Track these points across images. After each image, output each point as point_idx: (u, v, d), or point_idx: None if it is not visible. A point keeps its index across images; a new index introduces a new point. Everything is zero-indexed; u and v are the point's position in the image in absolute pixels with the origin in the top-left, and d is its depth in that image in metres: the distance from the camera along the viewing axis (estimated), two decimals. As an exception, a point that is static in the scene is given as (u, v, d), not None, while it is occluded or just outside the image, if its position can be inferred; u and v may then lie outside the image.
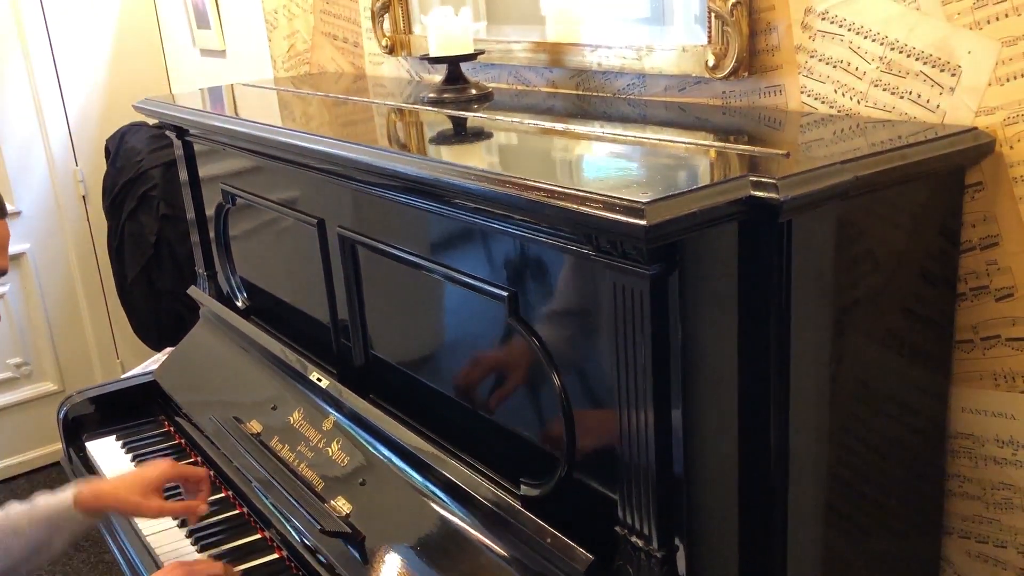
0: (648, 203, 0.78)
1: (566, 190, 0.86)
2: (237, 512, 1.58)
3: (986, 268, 1.03)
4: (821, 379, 1.01)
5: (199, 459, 1.76)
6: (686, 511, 0.94)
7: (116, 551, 1.56)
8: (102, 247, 3.04)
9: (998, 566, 1.11)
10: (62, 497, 1.40)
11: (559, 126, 1.25)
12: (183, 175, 1.93)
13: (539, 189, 0.89)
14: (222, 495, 1.64)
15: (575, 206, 0.84)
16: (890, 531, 1.18)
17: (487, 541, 1.13)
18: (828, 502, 1.07)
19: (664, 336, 0.89)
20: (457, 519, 1.19)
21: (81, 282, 3.17)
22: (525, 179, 0.91)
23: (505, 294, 1.08)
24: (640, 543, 0.95)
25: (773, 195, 0.83)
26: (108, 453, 1.82)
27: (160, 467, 1.46)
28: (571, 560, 0.98)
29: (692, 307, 0.89)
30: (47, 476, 3.16)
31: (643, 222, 0.77)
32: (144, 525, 1.55)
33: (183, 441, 1.84)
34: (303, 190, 1.52)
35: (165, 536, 1.52)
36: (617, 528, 0.98)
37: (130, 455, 1.79)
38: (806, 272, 0.93)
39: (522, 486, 1.14)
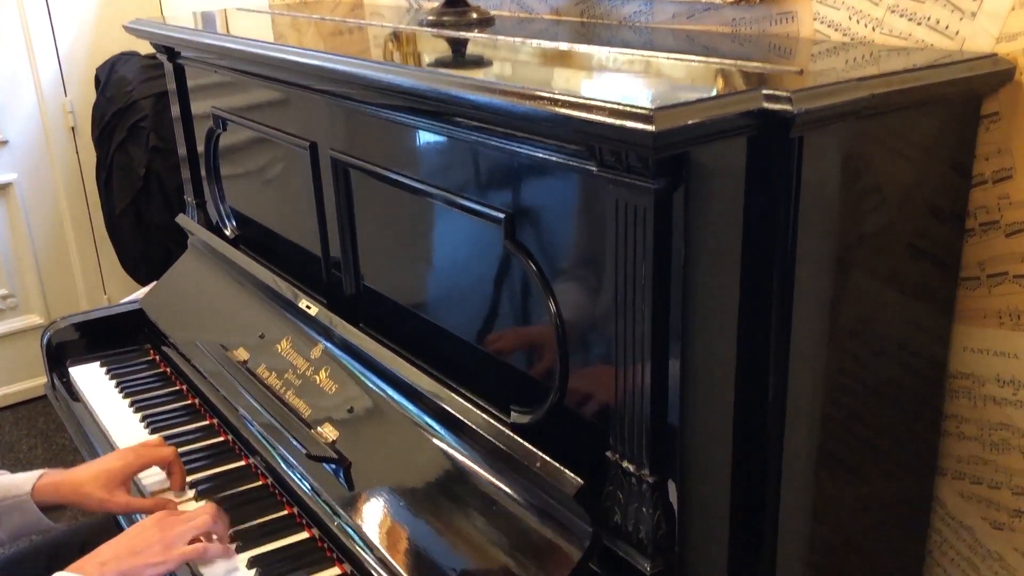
0: (657, 109, 0.75)
1: (571, 98, 0.82)
2: (222, 440, 1.56)
3: (997, 203, 1.00)
4: (821, 318, 0.99)
5: (184, 387, 1.74)
6: (680, 439, 0.92)
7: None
8: (91, 179, 3.00)
9: (991, 507, 1.10)
10: (20, 482, 1.31)
11: (563, 46, 1.21)
12: (174, 103, 1.89)
13: (542, 98, 0.85)
14: (207, 423, 1.62)
15: (580, 114, 0.80)
16: (883, 472, 1.16)
17: (475, 467, 1.11)
18: (821, 443, 1.05)
19: (666, 256, 0.86)
20: (445, 445, 1.17)
21: (69, 214, 3.12)
22: (528, 88, 0.87)
23: (502, 216, 1.05)
24: (631, 468, 0.93)
25: (786, 107, 0.79)
26: (92, 379, 1.79)
27: (126, 458, 1.37)
28: (560, 484, 0.96)
29: (696, 228, 0.86)
30: (32, 409, 3.15)
31: (651, 128, 0.74)
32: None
33: (168, 370, 1.81)
34: (296, 113, 1.48)
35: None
36: (608, 454, 0.96)
37: (114, 381, 1.77)
38: (813, 200, 0.90)
39: (512, 413, 1.12)
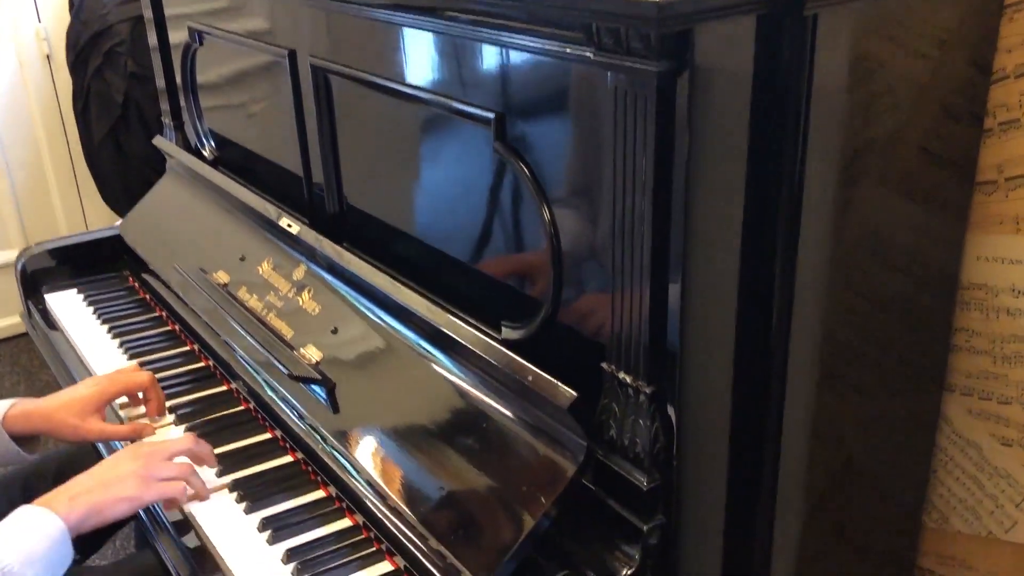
0: (660, -23, 0.68)
1: (565, -28, 0.75)
2: (203, 365, 1.51)
3: (1019, 99, 0.94)
4: (828, 228, 0.94)
5: (164, 313, 1.68)
6: (680, 348, 0.86)
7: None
8: (68, 109, 2.90)
9: (1000, 423, 1.06)
10: None
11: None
12: (150, 31, 1.80)
13: (534, -25, 0.78)
14: (187, 348, 1.57)
15: (576, -12, 0.73)
16: (888, 390, 1.12)
17: (465, 385, 1.07)
18: (824, 360, 1.00)
19: (668, 151, 0.80)
20: (434, 364, 1.12)
21: (47, 146, 3.03)
22: (519, -35, 0.80)
23: (491, 116, 0.99)
24: (628, 379, 0.88)
25: (801, -22, 0.73)
26: (69, 306, 1.74)
27: (99, 384, 1.30)
28: (553, 397, 0.91)
29: (700, 120, 0.80)
30: (15, 346, 3.10)
31: (654, -3, 0.67)
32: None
33: (148, 296, 1.75)
34: (274, 21, 1.40)
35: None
36: (604, 365, 0.91)
37: (92, 308, 1.71)
38: (825, 96, 0.84)
39: (503, 329, 1.07)
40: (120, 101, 2.64)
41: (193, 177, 1.76)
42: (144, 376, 1.34)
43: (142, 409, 1.37)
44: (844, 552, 1.15)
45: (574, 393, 0.90)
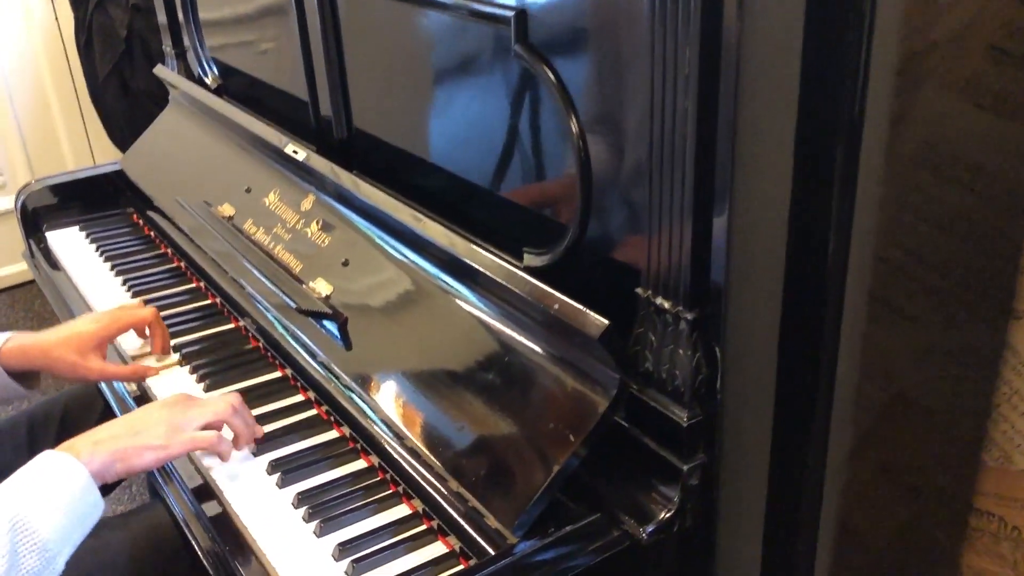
0: None
1: None
2: (209, 302, 1.44)
3: (1108, -14, 0.83)
4: (880, 142, 0.84)
5: (169, 250, 1.60)
6: (726, 271, 0.77)
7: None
8: (72, 44, 2.80)
9: (1073, 354, 0.97)
10: None
11: None
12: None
13: None
14: (193, 285, 1.50)
15: None
16: (945, 320, 1.03)
17: (486, 317, 0.98)
18: (875, 288, 0.91)
19: (715, 51, 0.71)
20: (452, 296, 1.03)
21: (52, 85, 2.93)
22: None
23: (511, 14, 0.89)
24: (666, 305, 0.80)
25: None
26: (71, 244, 1.66)
27: (100, 320, 1.22)
28: (582, 327, 0.83)
29: (750, 16, 0.70)
30: (27, 292, 3.05)
31: None
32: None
33: (153, 233, 1.68)
34: (274, -71, 1.30)
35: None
36: (639, 290, 0.83)
37: (94, 246, 1.64)
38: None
39: (525, 256, 0.98)
40: (123, 35, 2.54)
41: (196, 107, 1.67)
42: (147, 311, 1.27)
43: (147, 348, 1.30)
44: (895, 491, 1.07)
45: (605, 321, 0.81)
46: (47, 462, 0.91)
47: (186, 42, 1.74)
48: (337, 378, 1.13)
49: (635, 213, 0.84)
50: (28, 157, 2.94)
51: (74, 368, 1.18)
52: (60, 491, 0.89)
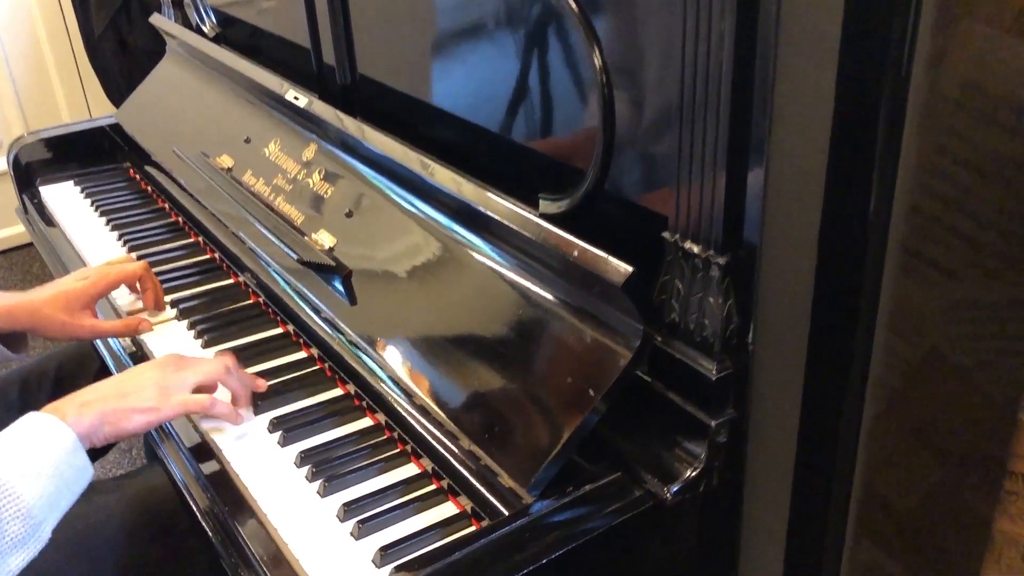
0: None
1: None
2: (208, 257, 1.39)
3: None
4: (918, 80, 0.78)
5: (167, 205, 1.55)
6: (762, 212, 0.72)
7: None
8: (69, 5, 2.72)
9: (1122, 307, 0.91)
10: None
11: None
12: None
13: None
14: (191, 240, 1.44)
15: None
16: (983, 273, 0.97)
17: (499, 267, 0.93)
18: (906, 242, 0.85)
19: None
20: (463, 245, 0.98)
21: (48, 42, 2.86)
22: None
23: (528, -61, 0.82)
24: (695, 249, 0.74)
25: None
26: (65, 198, 1.61)
27: (89, 277, 1.17)
28: (604, 274, 0.77)
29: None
30: (26, 254, 3.00)
31: None
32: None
33: (150, 188, 1.62)
34: None
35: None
36: (666, 234, 0.77)
37: (89, 200, 1.58)
38: None
39: (541, 203, 0.93)
40: (119, -12, 2.47)
41: (194, 57, 1.61)
42: (137, 265, 1.21)
43: (140, 304, 1.25)
44: (925, 454, 1.02)
45: (629, 267, 0.76)
46: (31, 424, 0.86)
47: (183, -10, 1.67)
48: (342, 334, 1.08)
49: (663, 155, 0.78)
50: (23, 113, 2.88)
51: (64, 327, 1.13)
52: (45, 455, 0.84)
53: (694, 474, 0.78)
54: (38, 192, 1.65)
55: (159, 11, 1.79)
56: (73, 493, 0.86)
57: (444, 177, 1.00)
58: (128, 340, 1.21)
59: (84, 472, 0.88)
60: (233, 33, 1.59)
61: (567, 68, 0.88)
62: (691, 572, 0.86)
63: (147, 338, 1.19)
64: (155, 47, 2.26)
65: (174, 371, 0.97)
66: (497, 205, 0.92)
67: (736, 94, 0.68)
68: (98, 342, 1.23)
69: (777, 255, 0.73)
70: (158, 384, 0.95)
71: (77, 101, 2.96)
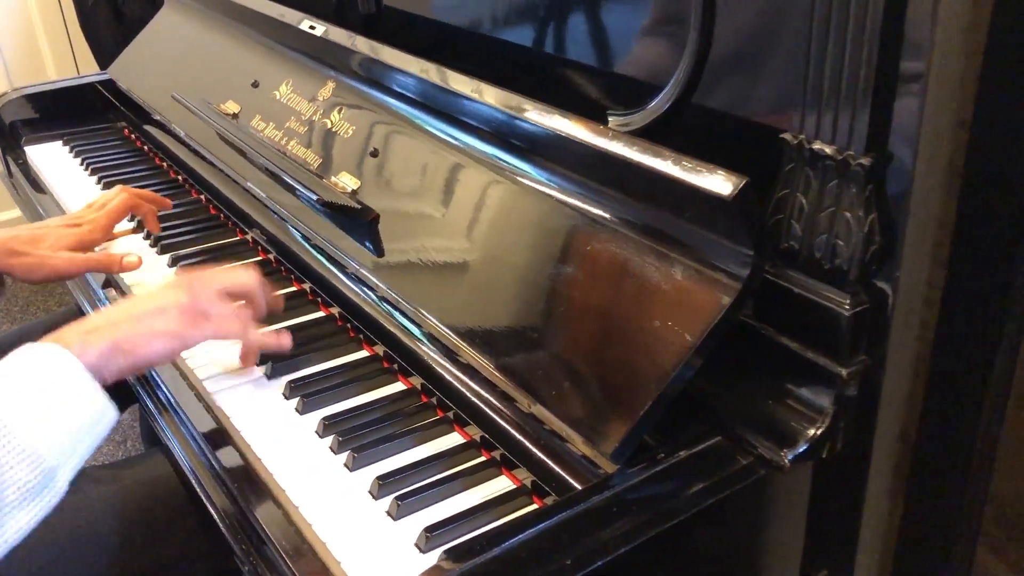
0: None
1: None
2: (212, 215, 1.24)
3: None
4: None
5: (166, 164, 1.40)
6: (922, 102, 0.57)
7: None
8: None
9: None
10: None
11: None
12: None
13: None
14: (193, 197, 1.29)
15: None
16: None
17: (563, 196, 0.78)
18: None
19: None
20: (518, 176, 0.83)
21: (39, 13, 2.71)
22: None
23: None
24: (829, 151, 0.59)
25: None
26: (53, 158, 1.46)
27: (81, 225, 1.04)
28: (706, 188, 0.62)
29: None
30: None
31: None
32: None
33: (147, 147, 1.47)
34: None
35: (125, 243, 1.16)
36: (787, 136, 0.62)
37: (80, 159, 1.43)
38: None
39: (612, 120, 0.78)
40: (114, -48, 2.32)
41: (196, 1, 1.46)
42: (122, 197, 1.09)
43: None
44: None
45: (741, 176, 0.61)
46: (27, 357, 0.69)
47: (183, -68, 1.53)
48: (369, 288, 0.93)
49: (779, 34, 0.64)
50: (8, 73, 2.72)
51: (42, 262, 0.99)
52: (48, 391, 0.68)
53: (818, 433, 0.63)
54: (23, 153, 1.50)
55: None
56: (94, 437, 0.70)
57: (495, 98, 0.85)
58: (113, 291, 1.06)
59: (104, 413, 0.71)
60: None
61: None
62: (799, 559, 0.71)
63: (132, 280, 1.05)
64: (150, 17, 2.12)
65: (195, 289, 0.81)
66: (563, 123, 0.77)
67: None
68: (82, 299, 1.08)
69: (932, 157, 0.58)
70: (178, 303, 0.78)
71: (66, 64, 2.80)
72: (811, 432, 0.63)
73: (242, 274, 0.85)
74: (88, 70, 2.79)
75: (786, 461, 0.63)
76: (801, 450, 0.63)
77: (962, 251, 0.64)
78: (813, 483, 0.67)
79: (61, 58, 2.80)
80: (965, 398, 0.71)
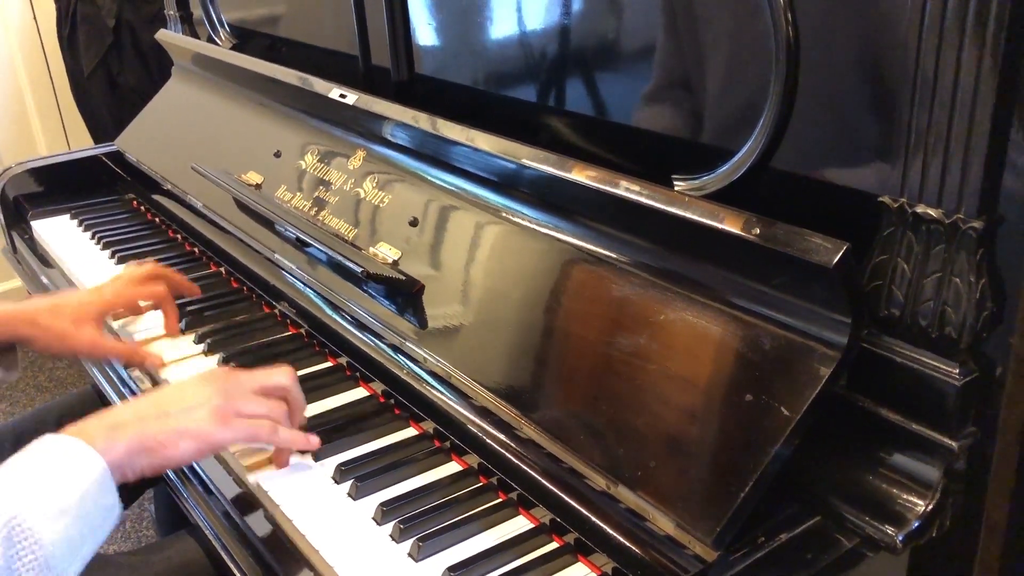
0: None
1: None
2: (234, 288, 1.19)
3: None
4: None
5: (180, 236, 1.36)
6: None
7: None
8: (50, 38, 2.56)
9: None
10: None
11: None
12: None
13: None
14: (212, 270, 1.25)
15: None
16: None
17: (630, 266, 0.75)
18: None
19: None
20: (580, 242, 0.80)
21: (28, 83, 2.68)
22: None
23: None
24: (935, 214, 0.57)
25: None
26: (61, 233, 1.41)
27: (101, 292, 1.02)
28: (806, 254, 0.59)
29: None
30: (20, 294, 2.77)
31: None
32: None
33: (158, 219, 1.43)
34: None
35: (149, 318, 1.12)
36: (886, 199, 0.60)
37: (89, 233, 1.39)
38: None
39: (677, 184, 0.76)
40: (111, 26, 2.31)
41: (210, 71, 1.44)
42: (161, 287, 1.04)
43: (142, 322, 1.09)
44: None
45: (842, 242, 0.58)
46: (51, 448, 0.66)
47: (192, 1, 1.51)
48: (413, 361, 0.90)
49: (884, 90, 0.62)
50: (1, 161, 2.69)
51: (64, 338, 0.95)
52: (69, 487, 0.64)
53: (928, 509, 0.59)
54: (29, 227, 1.46)
55: (153, 52, 1.63)
56: (96, 540, 0.67)
57: (559, 165, 0.82)
58: (148, 382, 1.01)
59: (111, 512, 0.68)
60: (252, 44, 1.43)
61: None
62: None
63: (170, 374, 1.00)
64: (148, 87, 2.10)
65: (227, 389, 0.77)
66: (637, 188, 0.74)
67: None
68: (105, 384, 1.03)
69: (1042, 218, 0.56)
70: (209, 402, 0.75)
71: (58, 141, 2.77)
72: (921, 508, 0.59)
73: (277, 373, 0.82)
74: (79, 145, 2.76)
75: (897, 541, 0.59)
76: (913, 528, 0.59)
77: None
78: (925, 560, 0.64)
79: (52, 134, 2.77)
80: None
